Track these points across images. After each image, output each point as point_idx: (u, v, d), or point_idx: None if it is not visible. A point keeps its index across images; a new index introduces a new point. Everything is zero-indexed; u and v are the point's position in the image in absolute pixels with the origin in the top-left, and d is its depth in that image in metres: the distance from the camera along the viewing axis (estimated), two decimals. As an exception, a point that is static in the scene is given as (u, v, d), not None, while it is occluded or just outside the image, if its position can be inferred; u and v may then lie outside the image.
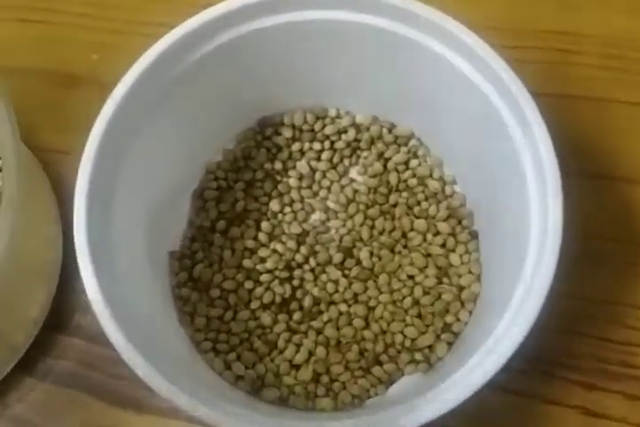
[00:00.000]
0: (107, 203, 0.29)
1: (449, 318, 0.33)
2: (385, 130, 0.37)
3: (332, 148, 0.37)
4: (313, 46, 0.33)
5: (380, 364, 0.33)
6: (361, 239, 0.35)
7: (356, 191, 0.37)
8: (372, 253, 0.35)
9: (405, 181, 0.36)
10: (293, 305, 0.34)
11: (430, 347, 0.33)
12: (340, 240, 0.36)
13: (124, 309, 0.27)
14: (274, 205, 0.36)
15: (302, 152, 0.37)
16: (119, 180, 0.30)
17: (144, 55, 0.30)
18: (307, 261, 0.35)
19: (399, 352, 0.33)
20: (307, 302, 0.34)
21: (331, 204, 0.37)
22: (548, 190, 0.27)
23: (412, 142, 0.37)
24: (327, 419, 0.31)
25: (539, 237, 0.27)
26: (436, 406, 0.25)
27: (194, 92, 0.33)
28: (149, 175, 0.33)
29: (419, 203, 0.36)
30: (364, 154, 0.37)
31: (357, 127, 0.37)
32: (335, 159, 0.37)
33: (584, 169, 0.37)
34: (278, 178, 0.37)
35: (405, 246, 0.35)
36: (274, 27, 0.31)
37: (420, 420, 0.25)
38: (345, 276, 0.35)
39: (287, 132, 0.37)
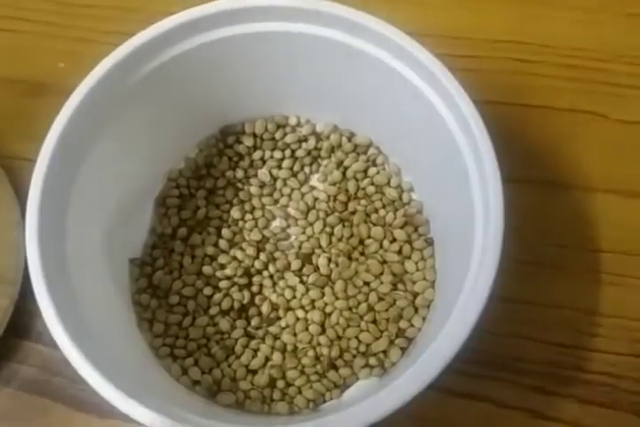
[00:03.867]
0: (62, 210, 0.30)
1: (403, 324, 0.34)
2: (344, 138, 0.38)
3: (292, 156, 0.38)
4: (271, 57, 0.34)
5: (336, 368, 0.34)
6: (320, 246, 0.36)
7: (316, 199, 0.37)
8: (329, 260, 0.36)
9: (364, 188, 0.37)
10: (252, 311, 0.35)
11: (384, 352, 0.33)
12: (300, 247, 0.36)
13: (78, 318, 0.28)
14: (235, 213, 0.37)
15: (263, 160, 0.38)
16: (76, 186, 0.30)
17: (99, 65, 0.30)
18: (266, 267, 0.36)
19: (354, 357, 0.34)
20: (265, 308, 0.35)
21: (291, 211, 0.37)
22: (490, 198, 0.27)
23: (371, 151, 0.37)
24: (283, 423, 0.32)
25: (482, 244, 0.27)
26: (383, 405, 0.26)
27: (153, 100, 0.33)
28: (109, 182, 0.33)
29: (376, 210, 0.36)
30: (325, 162, 0.38)
31: (318, 136, 0.38)
32: (296, 167, 0.38)
33: (539, 177, 0.38)
34: (239, 186, 0.38)
35: (362, 253, 0.36)
36: (232, 37, 0.32)
37: (368, 419, 0.26)
38: (302, 282, 0.35)
39: (248, 141, 0.38)
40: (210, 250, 0.36)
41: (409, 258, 0.35)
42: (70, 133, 0.29)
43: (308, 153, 0.38)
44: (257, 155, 0.38)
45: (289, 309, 0.35)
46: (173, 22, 0.31)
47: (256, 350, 0.34)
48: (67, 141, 0.29)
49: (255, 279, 0.35)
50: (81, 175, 0.31)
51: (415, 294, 0.34)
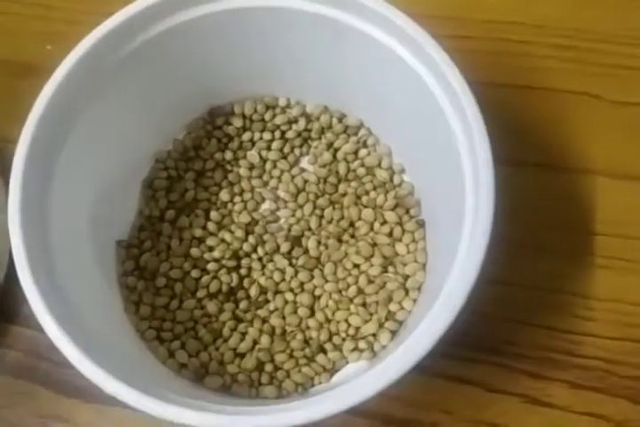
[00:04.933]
0: (45, 192, 0.29)
1: (393, 307, 0.33)
2: (335, 120, 0.37)
3: (282, 137, 0.37)
4: (258, 34, 0.33)
5: (325, 352, 0.33)
6: (309, 228, 0.36)
7: (306, 181, 0.37)
8: (319, 243, 0.35)
9: (354, 170, 0.36)
10: (240, 294, 0.34)
11: (374, 335, 0.33)
12: (289, 229, 0.36)
13: (64, 301, 0.27)
14: (224, 195, 0.37)
15: (253, 142, 0.37)
16: (59, 168, 0.30)
17: (80, 43, 0.30)
18: (255, 250, 0.35)
19: (343, 340, 0.33)
20: (253, 291, 0.34)
21: (281, 193, 0.37)
22: (481, 181, 0.27)
23: (362, 132, 0.37)
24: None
25: (472, 227, 0.27)
26: (369, 386, 0.25)
27: (137, 81, 0.33)
28: (94, 165, 0.33)
29: (367, 192, 0.36)
30: (315, 144, 0.37)
31: (308, 117, 0.37)
32: (286, 149, 0.37)
33: (532, 159, 0.37)
34: (229, 168, 0.37)
35: (353, 236, 0.35)
36: (219, 13, 0.31)
37: (348, 404, 0.25)
38: (292, 265, 0.35)
39: (237, 122, 0.37)
40: (198, 232, 0.35)
41: (400, 240, 0.35)
42: (51, 115, 0.29)
43: (299, 134, 0.37)
44: (246, 136, 0.37)
45: (278, 291, 0.34)
46: (154, -1, 0.30)
47: (244, 334, 0.34)
48: (48, 123, 0.29)
49: (244, 262, 0.35)
50: (64, 157, 0.30)
51: (406, 277, 0.34)
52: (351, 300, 0.34)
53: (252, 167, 0.37)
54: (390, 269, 0.34)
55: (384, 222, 0.35)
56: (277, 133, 0.37)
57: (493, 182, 0.27)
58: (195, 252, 0.35)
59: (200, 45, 0.33)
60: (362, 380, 0.26)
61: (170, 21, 0.31)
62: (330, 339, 0.33)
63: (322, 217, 0.36)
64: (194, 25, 0.31)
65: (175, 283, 0.34)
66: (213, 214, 0.36)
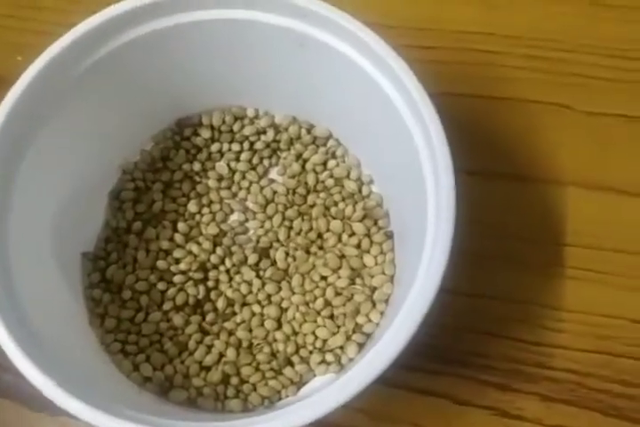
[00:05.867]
0: (4, 202, 0.29)
1: (360, 319, 0.33)
2: (304, 130, 0.37)
3: (251, 148, 0.37)
4: (224, 46, 0.33)
5: (292, 365, 0.33)
6: (278, 240, 0.35)
7: (274, 192, 0.36)
8: (287, 254, 0.35)
9: (323, 181, 0.36)
10: (207, 306, 0.34)
11: (341, 348, 0.33)
12: (257, 241, 0.35)
13: (20, 314, 0.27)
14: (192, 207, 0.36)
15: (221, 153, 0.37)
16: (20, 179, 0.30)
17: (43, 53, 0.30)
18: (222, 262, 0.35)
19: (310, 353, 0.33)
20: (220, 303, 0.34)
21: (250, 204, 0.37)
22: (441, 190, 0.26)
23: (331, 143, 0.37)
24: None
25: (434, 237, 0.27)
26: (333, 399, 0.25)
27: (102, 91, 0.32)
28: (58, 176, 0.32)
29: (336, 203, 0.36)
30: (284, 154, 0.37)
31: (276, 128, 0.37)
32: (254, 160, 0.37)
33: (503, 170, 0.37)
34: (197, 179, 0.37)
35: (321, 247, 0.35)
36: (183, 25, 0.31)
37: (311, 417, 0.25)
38: (259, 277, 0.34)
39: (206, 133, 0.37)
40: (165, 244, 0.35)
41: (368, 252, 0.34)
42: (12, 126, 0.28)
43: (267, 145, 0.37)
44: (214, 147, 0.37)
45: (245, 304, 0.34)
46: (120, 9, 0.30)
47: (210, 347, 0.33)
48: (8, 134, 0.28)
49: (211, 274, 0.35)
50: (26, 168, 0.30)
51: (373, 289, 0.33)
52: (318, 312, 0.33)
53: (220, 178, 0.37)
54: (358, 281, 0.34)
55: (352, 234, 0.35)
56: (246, 144, 0.37)
57: (454, 192, 0.26)
58: (161, 264, 0.35)
59: (165, 57, 0.33)
60: (325, 392, 0.26)
61: (134, 33, 0.31)
62: (297, 352, 0.33)
63: (290, 228, 0.36)
64: (158, 36, 0.31)
65: (141, 295, 0.34)
66: (181, 226, 0.36)
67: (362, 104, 0.32)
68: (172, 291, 0.34)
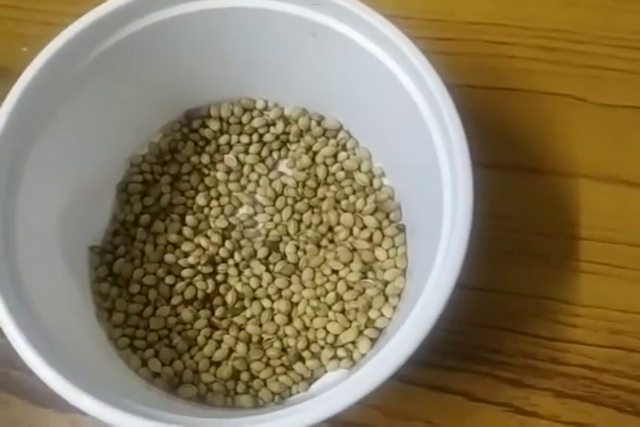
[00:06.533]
0: (11, 194, 0.28)
1: (372, 314, 0.32)
2: (314, 122, 0.36)
3: (260, 140, 0.37)
4: (234, 35, 0.32)
5: (303, 360, 0.32)
6: (287, 233, 0.35)
7: (284, 185, 0.36)
8: (297, 248, 0.34)
9: (333, 174, 0.36)
10: (216, 301, 0.34)
11: (353, 343, 0.32)
12: (267, 235, 0.35)
13: (28, 309, 0.27)
14: (200, 199, 0.36)
15: (230, 145, 0.37)
16: (27, 171, 0.29)
17: (49, 44, 0.29)
18: (231, 255, 0.34)
19: (322, 348, 0.32)
20: (230, 297, 0.33)
21: (259, 197, 0.36)
22: (458, 185, 0.26)
23: (341, 135, 0.36)
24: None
25: (450, 231, 0.26)
26: (347, 395, 0.24)
27: (111, 82, 0.32)
28: (65, 169, 0.32)
29: (346, 196, 0.35)
30: (293, 147, 0.37)
31: (286, 120, 0.36)
32: (264, 152, 0.36)
33: (516, 162, 0.37)
34: (205, 171, 0.36)
35: (332, 241, 0.34)
36: (193, 14, 0.31)
37: (324, 414, 0.24)
38: (269, 271, 0.34)
39: (214, 125, 0.36)
40: (173, 238, 0.35)
41: (379, 245, 0.34)
42: (19, 118, 0.28)
43: (277, 137, 0.36)
44: (223, 139, 0.36)
45: (254, 298, 0.34)
46: (127, -1, 0.29)
47: (219, 342, 0.33)
48: (15, 127, 0.28)
49: (220, 268, 0.34)
50: (32, 161, 0.29)
51: (385, 283, 0.33)
52: (330, 307, 0.33)
53: (229, 171, 0.36)
54: (370, 275, 0.33)
55: (363, 227, 0.34)
56: (255, 136, 0.37)
57: (472, 186, 0.26)
58: (169, 258, 0.34)
59: (173, 47, 0.32)
60: (339, 389, 0.25)
61: (141, 23, 0.30)
62: (308, 347, 0.32)
63: (300, 222, 0.35)
64: (166, 26, 0.31)
65: (149, 289, 0.34)
66: (189, 219, 0.35)
67: (376, 96, 0.31)
68: (180, 285, 0.34)
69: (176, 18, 0.31)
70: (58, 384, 0.24)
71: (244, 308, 0.34)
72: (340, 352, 0.32)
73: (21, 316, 0.26)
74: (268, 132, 0.37)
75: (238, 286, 0.34)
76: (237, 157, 0.36)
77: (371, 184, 0.35)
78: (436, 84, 0.27)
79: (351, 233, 0.34)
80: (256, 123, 0.36)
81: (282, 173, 0.36)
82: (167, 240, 0.35)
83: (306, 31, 0.31)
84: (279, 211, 0.35)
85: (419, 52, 0.27)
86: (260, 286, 0.34)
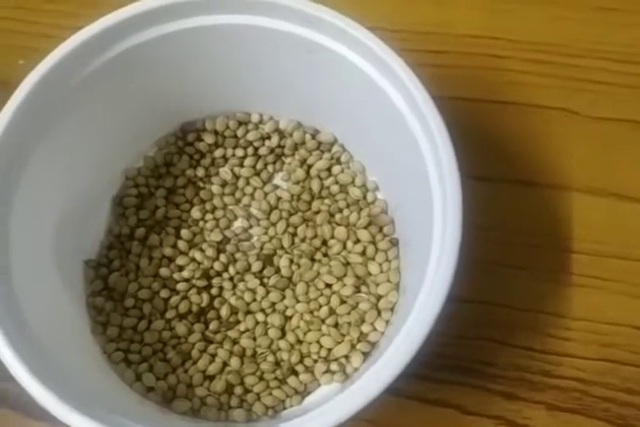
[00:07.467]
0: (5, 208, 0.28)
1: (365, 328, 0.32)
2: (308, 136, 0.36)
3: (255, 154, 0.37)
4: (230, 51, 0.32)
5: (296, 374, 0.32)
6: (282, 247, 0.35)
7: (279, 198, 0.36)
8: (291, 261, 0.34)
9: (328, 187, 0.36)
10: (210, 315, 0.34)
11: (346, 357, 0.32)
12: (261, 248, 0.35)
13: (20, 323, 0.27)
14: (195, 213, 0.36)
15: (225, 158, 0.37)
16: (23, 184, 0.29)
17: (46, 58, 0.29)
18: (226, 269, 0.35)
19: (315, 362, 0.33)
20: (224, 311, 0.34)
21: (253, 211, 0.36)
22: (447, 198, 0.26)
23: (335, 148, 0.36)
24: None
25: (440, 243, 0.26)
26: (340, 410, 0.24)
27: (105, 97, 0.32)
28: (60, 181, 0.32)
29: (340, 210, 0.35)
30: (288, 160, 0.37)
31: (281, 133, 0.37)
32: (259, 166, 0.37)
33: (509, 175, 0.37)
34: (200, 185, 0.37)
35: (325, 254, 0.35)
36: (188, 30, 0.31)
37: (326, 424, 0.24)
38: (263, 284, 0.34)
39: (209, 138, 0.37)
40: (168, 251, 0.35)
41: (373, 259, 0.34)
42: (14, 132, 0.28)
43: (272, 151, 0.37)
44: (218, 153, 0.37)
45: (248, 312, 0.34)
46: (125, 14, 0.30)
47: (213, 355, 0.33)
48: (9, 140, 0.28)
49: (214, 281, 0.34)
50: (28, 174, 0.29)
51: (378, 297, 0.33)
52: (323, 321, 0.33)
53: (224, 184, 0.37)
54: (363, 289, 0.33)
55: (357, 241, 0.34)
56: (250, 150, 0.37)
57: (461, 199, 0.26)
58: (164, 271, 0.34)
59: (169, 62, 0.32)
60: (333, 403, 0.26)
61: (138, 38, 0.31)
62: (301, 361, 0.33)
63: (295, 235, 0.35)
64: (164, 41, 0.31)
65: (144, 303, 0.34)
66: (184, 232, 0.35)
67: (368, 111, 0.32)
68: (175, 299, 0.34)
69: (173, 33, 0.31)
70: (46, 400, 0.25)
71: (238, 322, 0.34)
72: (334, 366, 0.32)
73: (13, 330, 0.26)
74: (263, 145, 0.37)
75: (232, 300, 0.34)
76: (232, 171, 0.37)
77: (364, 198, 0.35)
78: (423, 98, 0.27)
79: (345, 247, 0.34)
80: (251, 136, 0.36)
81: (277, 187, 0.37)
82: (162, 254, 0.35)
83: (301, 48, 0.31)
84: (274, 224, 0.36)
85: (405, 66, 0.28)
86: (254, 299, 0.34)
